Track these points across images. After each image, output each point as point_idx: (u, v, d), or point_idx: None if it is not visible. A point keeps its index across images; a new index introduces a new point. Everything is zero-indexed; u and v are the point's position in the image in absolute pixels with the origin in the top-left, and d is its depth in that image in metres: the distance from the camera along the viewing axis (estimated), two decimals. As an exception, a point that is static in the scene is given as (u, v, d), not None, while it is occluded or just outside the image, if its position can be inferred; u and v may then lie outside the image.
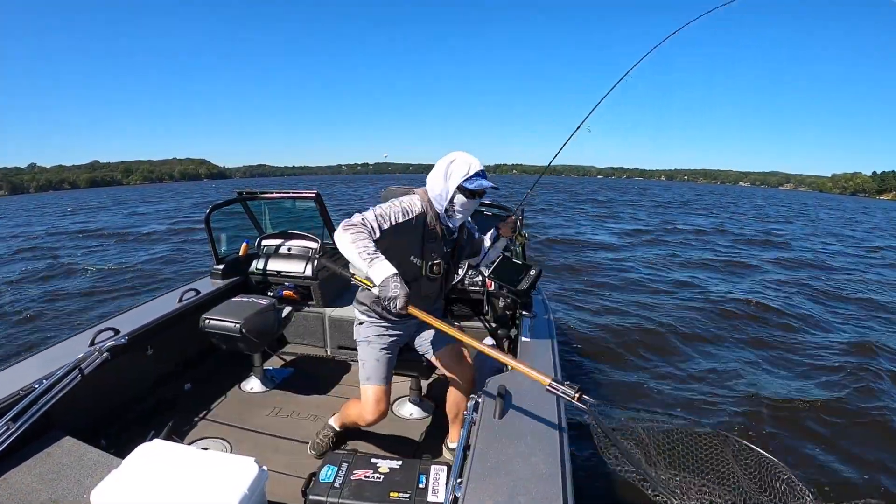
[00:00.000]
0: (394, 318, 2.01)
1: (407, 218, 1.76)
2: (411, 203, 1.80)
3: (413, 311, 1.62)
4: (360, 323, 2.06)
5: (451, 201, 1.81)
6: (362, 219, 1.68)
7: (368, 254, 1.60)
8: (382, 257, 1.62)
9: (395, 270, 1.60)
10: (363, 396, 2.02)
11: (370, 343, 2.02)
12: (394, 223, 1.72)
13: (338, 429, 2.25)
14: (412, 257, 1.87)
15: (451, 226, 1.90)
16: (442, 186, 1.80)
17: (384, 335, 2.03)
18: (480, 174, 1.79)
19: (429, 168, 1.88)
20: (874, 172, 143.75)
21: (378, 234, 1.68)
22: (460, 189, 1.78)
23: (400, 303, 1.56)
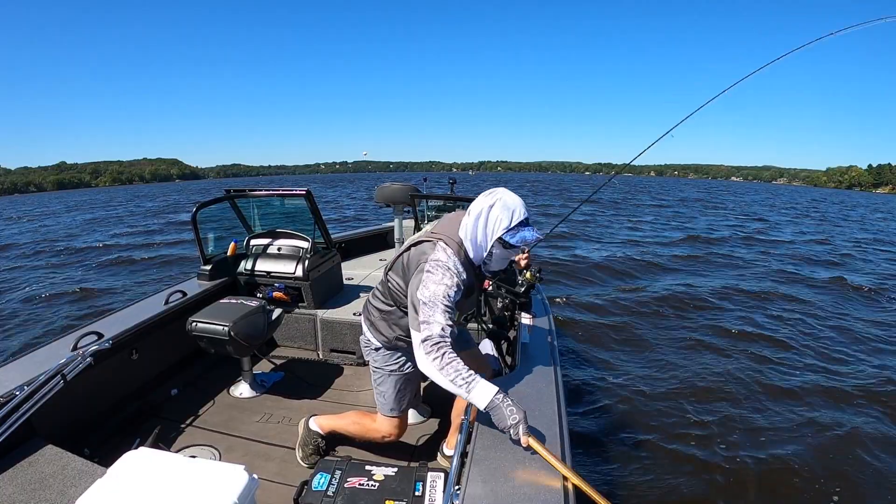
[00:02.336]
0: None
1: (461, 287, 1.62)
2: (455, 265, 1.62)
3: (534, 443, 1.44)
4: (377, 349, 1.98)
5: (490, 253, 1.66)
6: (441, 329, 1.53)
7: (463, 379, 1.48)
8: (478, 378, 1.49)
9: (496, 388, 1.48)
10: (384, 425, 2.04)
11: (391, 374, 1.99)
12: (456, 300, 1.61)
13: (324, 434, 2.24)
14: None
15: (485, 274, 1.80)
16: (481, 236, 1.64)
17: (406, 362, 1.99)
18: (524, 223, 1.62)
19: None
20: (870, 165, 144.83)
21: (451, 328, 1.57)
22: (500, 240, 1.63)
23: (522, 429, 1.42)
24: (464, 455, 1.52)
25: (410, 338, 1.78)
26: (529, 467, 1.42)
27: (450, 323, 1.56)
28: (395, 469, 1.73)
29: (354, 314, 3.30)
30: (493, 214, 1.60)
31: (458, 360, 1.51)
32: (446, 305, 1.56)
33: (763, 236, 15.28)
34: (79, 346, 2.22)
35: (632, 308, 6.64)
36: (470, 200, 3.69)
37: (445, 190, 4.86)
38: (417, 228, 4.26)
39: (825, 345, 5.42)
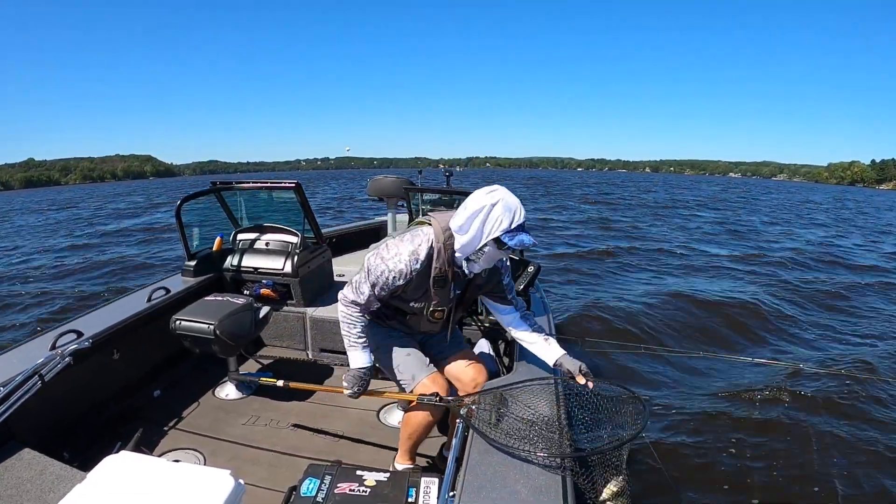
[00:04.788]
0: (400, 327, 2.04)
1: (409, 277, 1.73)
2: (416, 252, 1.73)
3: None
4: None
5: (480, 250, 1.70)
6: (358, 294, 1.81)
7: (350, 342, 1.89)
8: (359, 347, 1.89)
9: (365, 366, 1.91)
10: (427, 391, 1.92)
11: (389, 348, 2.00)
12: (394, 286, 1.76)
13: (412, 463, 2.10)
14: (413, 303, 1.88)
15: (466, 271, 1.80)
16: (475, 233, 1.66)
17: (395, 335, 2.03)
18: (521, 227, 1.66)
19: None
20: (873, 161, 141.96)
21: (378, 303, 1.89)
22: (496, 240, 1.66)
23: (349, 393, 1.91)
24: (459, 460, 1.53)
25: (389, 309, 2.01)
26: (527, 473, 1.43)
27: (370, 297, 1.80)
28: (388, 474, 1.73)
29: None
30: (495, 213, 1.63)
31: (358, 324, 1.86)
32: (380, 284, 1.76)
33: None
34: (57, 345, 2.21)
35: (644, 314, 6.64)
36: (467, 194, 3.67)
37: (441, 183, 4.84)
38: (412, 223, 4.25)
39: None
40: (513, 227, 1.63)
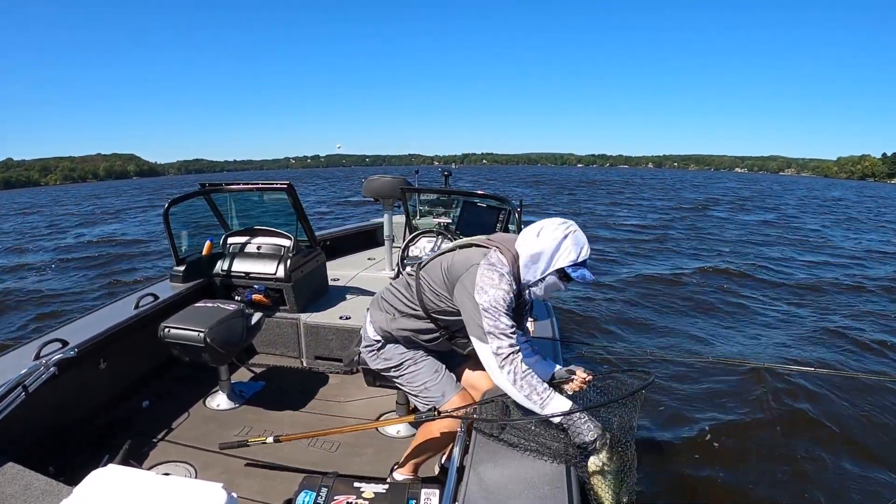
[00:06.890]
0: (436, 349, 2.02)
1: (513, 298, 1.72)
2: (512, 277, 1.73)
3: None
4: (383, 346, 2.02)
5: (543, 279, 1.76)
6: (509, 338, 1.64)
7: (538, 394, 1.60)
8: (553, 393, 1.62)
9: (571, 403, 1.61)
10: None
11: (415, 365, 1.98)
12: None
13: (413, 476, 2.10)
14: None
15: (526, 298, 1.86)
16: (544, 261, 1.73)
17: (418, 353, 2.01)
18: (585, 263, 1.75)
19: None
20: (884, 154, 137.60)
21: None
22: (560, 271, 1.73)
23: (600, 444, 1.54)
24: (460, 470, 1.53)
25: (420, 336, 1.95)
26: (532, 483, 1.43)
27: (514, 326, 1.68)
28: (386, 486, 1.73)
29: (341, 318, 3.29)
30: (566, 245, 1.72)
31: (532, 372, 1.64)
32: (507, 311, 1.66)
33: None
34: (42, 354, 2.20)
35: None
36: (466, 195, 3.67)
37: (437, 182, 4.85)
38: (409, 224, 4.26)
39: None
40: (578, 260, 1.72)
